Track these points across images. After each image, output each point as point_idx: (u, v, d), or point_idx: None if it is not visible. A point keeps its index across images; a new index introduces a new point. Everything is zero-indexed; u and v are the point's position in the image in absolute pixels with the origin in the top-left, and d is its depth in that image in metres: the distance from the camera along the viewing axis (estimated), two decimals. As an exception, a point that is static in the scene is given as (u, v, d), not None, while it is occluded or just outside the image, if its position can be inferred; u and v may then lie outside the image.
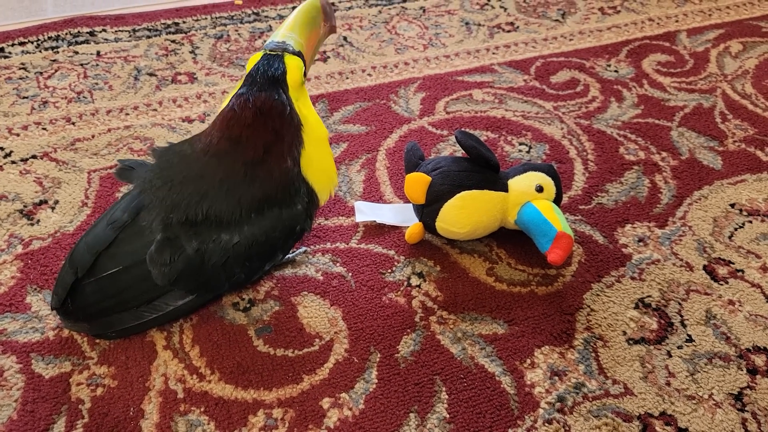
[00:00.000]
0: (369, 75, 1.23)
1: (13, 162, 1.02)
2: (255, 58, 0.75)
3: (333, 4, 1.41)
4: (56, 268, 0.87)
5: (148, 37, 1.30)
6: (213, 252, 0.73)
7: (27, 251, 0.89)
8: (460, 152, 1.05)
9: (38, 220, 0.94)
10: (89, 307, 0.76)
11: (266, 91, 0.72)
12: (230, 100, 0.74)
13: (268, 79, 0.73)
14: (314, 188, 0.77)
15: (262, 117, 0.72)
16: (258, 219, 0.74)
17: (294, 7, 1.40)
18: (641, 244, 0.93)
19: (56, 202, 0.96)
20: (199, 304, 0.81)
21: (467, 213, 0.87)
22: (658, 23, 1.38)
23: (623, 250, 0.92)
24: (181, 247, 0.73)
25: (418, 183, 0.88)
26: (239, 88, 0.74)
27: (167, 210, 0.73)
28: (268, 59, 0.74)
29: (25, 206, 0.96)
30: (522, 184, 0.89)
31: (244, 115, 0.72)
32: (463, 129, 1.08)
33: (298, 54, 0.76)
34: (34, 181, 0.99)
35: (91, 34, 1.30)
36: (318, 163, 0.78)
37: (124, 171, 0.80)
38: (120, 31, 1.31)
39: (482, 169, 0.89)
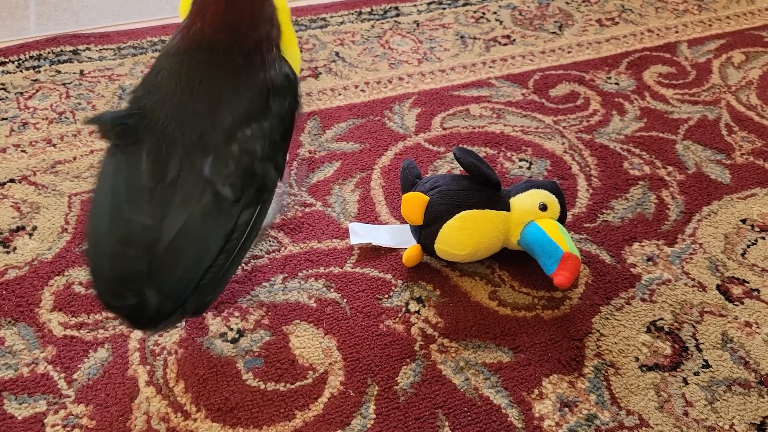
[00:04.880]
0: (362, 91, 1.19)
1: (-11, 186, 0.98)
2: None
3: (324, 19, 1.38)
4: (33, 299, 0.82)
5: (134, 55, 1.26)
6: (254, 143, 0.70)
7: (2, 281, 0.84)
8: (458, 170, 1.01)
9: (15, 248, 0.89)
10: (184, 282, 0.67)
11: None
12: None
13: None
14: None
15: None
16: (273, 102, 0.72)
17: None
18: (650, 263, 0.89)
19: (34, 228, 0.91)
20: (259, 224, 0.73)
21: (468, 234, 0.82)
22: (657, 34, 1.35)
23: (632, 270, 0.88)
24: (226, 155, 0.68)
25: (415, 203, 0.83)
26: None
27: (191, 137, 0.68)
28: None
29: (0, 233, 0.91)
30: (525, 202, 0.85)
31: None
32: (461, 145, 1.04)
33: None
34: (11, 206, 0.95)
35: (75, 52, 1.25)
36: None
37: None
38: (104, 49, 1.27)
39: (483, 188, 0.85)
